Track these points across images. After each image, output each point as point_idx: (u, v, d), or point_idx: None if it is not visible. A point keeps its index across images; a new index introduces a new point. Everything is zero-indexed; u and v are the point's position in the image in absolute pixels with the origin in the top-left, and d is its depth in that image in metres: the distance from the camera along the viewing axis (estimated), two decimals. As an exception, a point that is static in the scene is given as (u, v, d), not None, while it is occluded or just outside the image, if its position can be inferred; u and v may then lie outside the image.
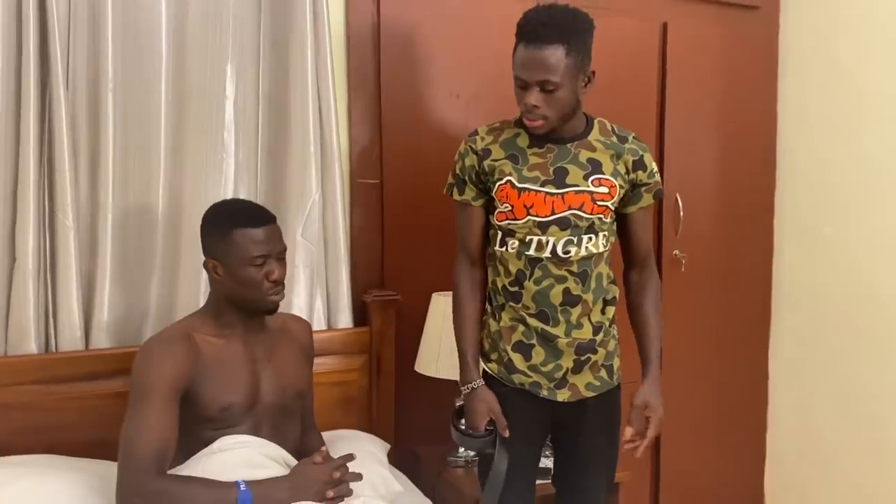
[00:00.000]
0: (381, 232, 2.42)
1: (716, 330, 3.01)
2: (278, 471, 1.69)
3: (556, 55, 1.69)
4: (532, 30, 1.70)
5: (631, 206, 1.89)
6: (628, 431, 1.84)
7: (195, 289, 2.11)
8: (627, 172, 1.85)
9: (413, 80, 2.44)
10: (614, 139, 1.86)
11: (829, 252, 2.87)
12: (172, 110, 2.10)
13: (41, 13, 1.93)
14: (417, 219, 2.44)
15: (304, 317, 2.20)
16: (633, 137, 1.89)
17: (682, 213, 2.86)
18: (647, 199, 1.90)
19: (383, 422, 2.32)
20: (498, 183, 1.82)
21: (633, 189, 1.87)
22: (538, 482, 2.01)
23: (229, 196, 2.16)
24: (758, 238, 3.07)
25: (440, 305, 2.26)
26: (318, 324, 2.27)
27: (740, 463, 3.12)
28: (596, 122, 1.88)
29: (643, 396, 1.85)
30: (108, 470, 1.72)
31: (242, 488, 1.58)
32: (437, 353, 2.25)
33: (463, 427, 1.87)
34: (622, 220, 1.91)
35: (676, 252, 2.89)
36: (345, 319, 2.30)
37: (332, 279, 2.29)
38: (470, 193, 1.87)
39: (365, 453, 2.02)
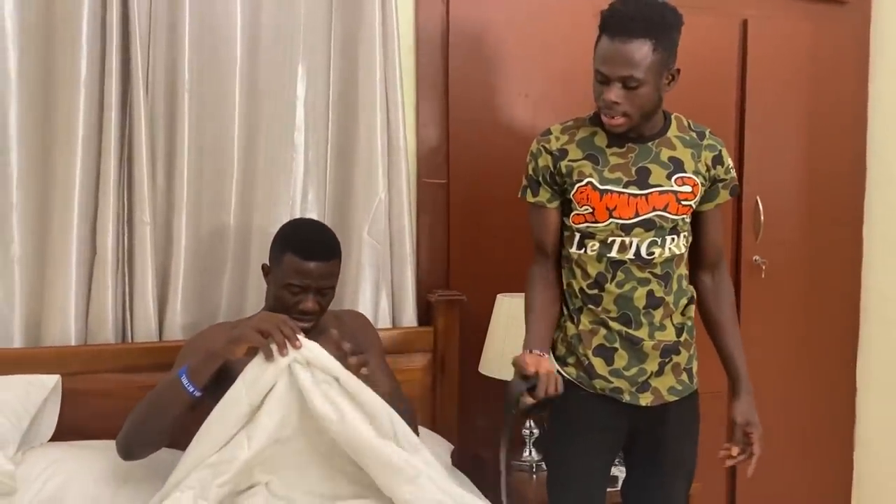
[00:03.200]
0: (446, 232, 2.42)
1: (798, 341, 2.88)
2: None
3: (642, 50, 1.62)
4: (618, 22, 1.64)
5: (707, 203, 1.83)
6: (734, 450, 1.80)
7: (265, 283, 2.15)
8: (707, 169, 1.80)
9: (481, 80, 2.44)
10: (693, 135, 1.81)
11: (925, 260, 2.71)
12: (245, 111, 2.17)
13: (124, 21, 2.02)
14: (484, 219, 2.43)
15: (369, 314, 2.24)
16: (710, 132, 1.84)
17: (762, 217, 2.75)
18: (724, 196, 1.85)
19: (446, 422, 2.31)
20: (577, 185, 1.76)
21: (712, 185, 1.82)
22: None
23: (298, 195, 2.21)
24: (846, 245, 2.92)
25: (505, 307, 2.24)
26: (383, 321, 2.29)
27: (826, 484, 2.97)
28: (673, 117, 1.82)
29: (743, 413, 1.82)
30: (176, 458, 1.77)
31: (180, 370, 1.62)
32: (502, 355, 2.23)
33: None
34: (695, 219, 1.85)
35: (756, 258, 2.77)
36: (409, 318, 2.31)
37: (397, 278, 2.31)
38: (545, 195, 1.81)
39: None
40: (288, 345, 1.58)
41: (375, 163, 2.24)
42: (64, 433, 1.91)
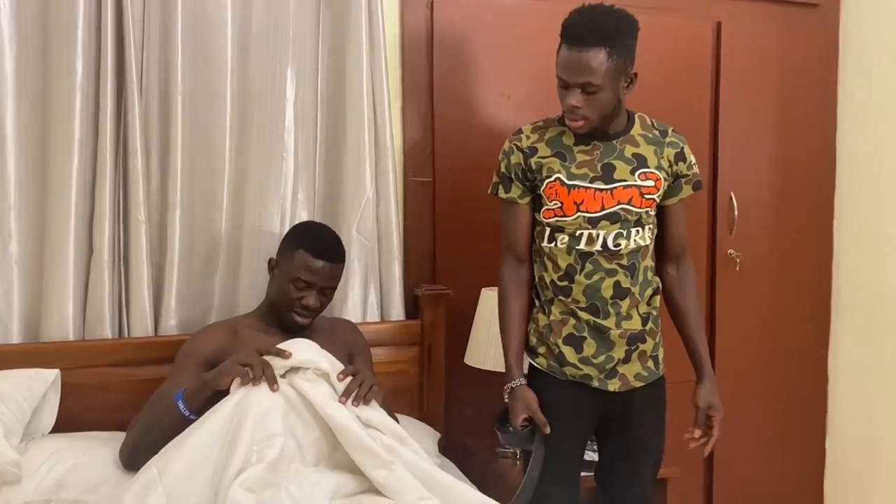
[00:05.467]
0: (432, 228, 2.50)
1: (772, 331, 2.97)
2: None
3: (598, 58, 1.72)
4: (575, 32, 1.74)
5: (671, 197, 1.93)
6: (696, 432, 1.91)
7: (257, 279, 2.22)
8: (670, 165, 1.89)
9: (464, 82, 2.52)
10: (656, 133, 1.91)
11: (892, 252, 2.81)
12: (236, 113, 2.23)
13: (118, 25, 2.08)
14: (468, 216, 2.51)
15: (358, 309, 2.32)
16: (672, 130, 1.93)
17: (736, 213, 2.85)
18: (687, 191, 1.95)
19: (433, 412, 2.38)
20: (546, 181, 1.85)
21: (675, 181, 1.91)
22: (581, 475, 2.04)
23: (289, 193, 2.28)
24: (816, 238, 3.02)
25: (489, 300, 2.32)
26: (372, 315, 2.36)
27: (799, 469, 3.06)
28: (636, 117, 1.92)
29: (705, 397, 1.92)
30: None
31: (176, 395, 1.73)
32: (486, 346, 2.31)
33: (506, 428, 1.91)
34: (660, 213, 1.94)
35: (731, 251, 2.87)
36: (397, 312, 2.38)
37: (384, 273, 2.38)
38: (516, 191, 1.90)
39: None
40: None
41: (363, 162, 2.31)
42: (64, 425, 1.97)
